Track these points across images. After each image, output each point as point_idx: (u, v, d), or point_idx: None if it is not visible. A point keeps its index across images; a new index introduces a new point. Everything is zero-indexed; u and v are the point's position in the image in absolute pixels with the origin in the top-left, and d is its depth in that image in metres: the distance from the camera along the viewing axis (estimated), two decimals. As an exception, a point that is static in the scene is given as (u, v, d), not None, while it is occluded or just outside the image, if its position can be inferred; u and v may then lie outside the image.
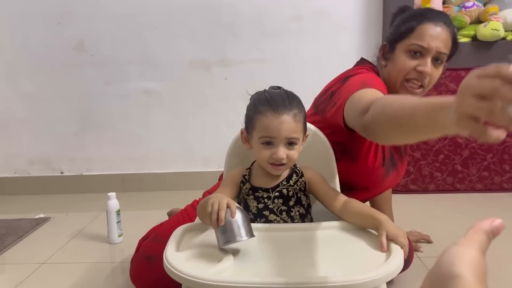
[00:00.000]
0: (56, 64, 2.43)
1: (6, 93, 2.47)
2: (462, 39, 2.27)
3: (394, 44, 1.20)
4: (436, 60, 1.17)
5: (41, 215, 2.12)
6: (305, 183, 0.98)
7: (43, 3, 2.36)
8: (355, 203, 0.92)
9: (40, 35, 2.40)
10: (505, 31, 2.20)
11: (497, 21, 2.17)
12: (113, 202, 1.71)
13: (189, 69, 2.40)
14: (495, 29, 2.15)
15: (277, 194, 0.96)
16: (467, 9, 2.30)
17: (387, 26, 2.25)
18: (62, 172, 2.55)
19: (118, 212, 1.72)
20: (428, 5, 2.23)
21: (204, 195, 1.44)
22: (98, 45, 2.40)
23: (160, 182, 2.50)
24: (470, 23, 2.27)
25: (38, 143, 2.52)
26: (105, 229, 1.79)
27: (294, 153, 0.94)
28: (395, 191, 2.32)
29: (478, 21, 2.27)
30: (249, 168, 1.01)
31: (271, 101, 0.92)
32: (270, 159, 0.92)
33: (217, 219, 0.79)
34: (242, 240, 0.78)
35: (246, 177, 0.99)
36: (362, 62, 1.35)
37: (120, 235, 1.74)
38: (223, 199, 0.81)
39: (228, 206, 0.80)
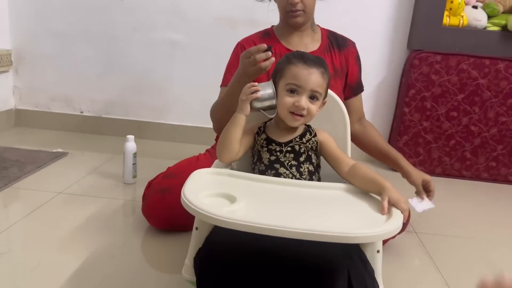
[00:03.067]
0: (86, 4, 2.46)
1: (36, 28, 2.52)
2: (492, 28, 2.25)
3: None
4: None
5: (59, 150, 2.21)
6: (317, 143, 1.03)
7: None
8: (363, 168, 0.97)
9: (73, -26, 2.42)
10: (538, 25, 2.18)
11: (531, 13, 2.14)
12: (131, 144, 1.78)
13: (215, 24, 2.42)
14: (528, 21, 2.12)
15: (289, 149, 1.01)
16: (502, -3, 2.27)
17: (418, 4, 2.24)
18: (81, 112, 2.62)
19: (134, 155, 1.80)
20: (463, -11, 2.20)
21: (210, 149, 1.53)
22: (129, -10, 2.42)
23: (175, 134, 2.57)
24: (503, 12, 2.25)
25: (61, 81, 2.58)
26: (119, 170, 1.88)
27: (314, 107, 0.99)
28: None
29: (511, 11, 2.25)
30: (265, 123, 1.07)
31: (303, 56, 1.00)
32: (291, 107, 0.98)
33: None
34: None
35: (262, 128, 1.05)
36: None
37: (134, 176, 1.82)
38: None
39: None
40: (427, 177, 1.43)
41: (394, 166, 1.47)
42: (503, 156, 2.32)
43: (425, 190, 1.40)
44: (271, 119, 1.06)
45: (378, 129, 1.50)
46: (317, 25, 1.48)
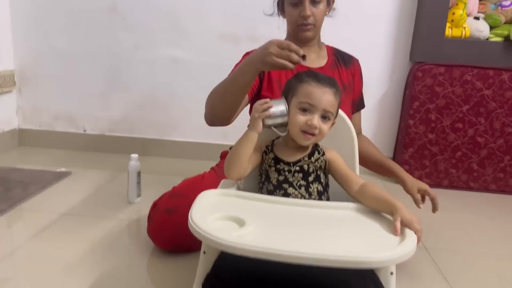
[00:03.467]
0: (89, 24, 2.47)
1: (39, 47, 2.53)
2: (494, 38, 2.25)
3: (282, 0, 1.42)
4: (313, 1, 1.35)
5: (63, 169, 2.20)
6: (325, 162, 1.02)
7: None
8: (373, 187, 0.96)
9: (75, -7, 2.44)
10: (541, 35, 2.17)
11: (533, 23, 2.14)
12: (135, 163, 1.77)
13: (218, 41, 2.43)
14: (530, 31, 2.12)
15: (297, 168, 1.00)
16: (503, 8, 2.27)
17: (420, 17, 2.24)
18: (85, 130, 2.62)
19: (139, 174, 1.78)
20: (464, 1, 2.21)
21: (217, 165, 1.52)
22: (131, 9, 2.43)
23: (179, 150, 2.56)
24: (505, 23, 2.25)
25: (65, 99, 2.59)
26: (123, 188, 1.86)
27: (325, 127, 0.98)
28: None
29: (514, 21, 2.25)
30: (272, 141, 1.06)
31: (317, 75, 1.00)
32: (303, 126, 0.97)
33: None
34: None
35: (269, 147, 1.04)
36: None
37: (139, 196, 1.81)
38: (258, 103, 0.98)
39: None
40: (423, 185, 1.42)
41: (390, 175, 1.49)
42: (510, 167, 2.29)
43: (429, 199, 1.40)
44: (279, 137, 1.05)
45: (383, 142, 1.51)
46: (322, 42, 1.50)
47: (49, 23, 2.49)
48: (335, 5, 1.46)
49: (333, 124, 1.03)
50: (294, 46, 1.01)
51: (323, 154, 1.02)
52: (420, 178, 2.33)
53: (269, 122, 0.98)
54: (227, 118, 1.30)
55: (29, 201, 1.77)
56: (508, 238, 1.74)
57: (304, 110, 0.97)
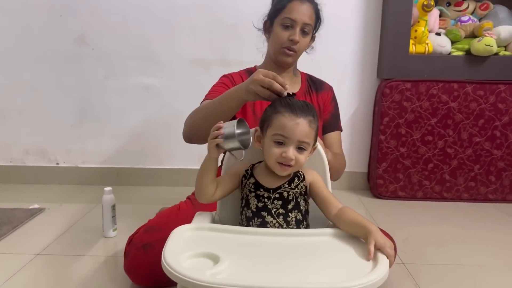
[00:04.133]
0: (57, 56, 2.45)
1: (6, 81, 2.49)
2: (456, 53, 2.33)
3: (273, 20, 1.44)
4: (303, 31, 1.41)
5: (36, 206, 2.15)
6: (306, 187, 1.03)
7: (46, -5, 2.38)
8: (349, 211, 0.97)
9: (41, 26, 2.42)
10: (498, 47, 2.26)
11: (491, 37, 2.23)
12: (109, 196, 1.74)
13: (188, 67, 2.44)
14: (489, 45, 2.21)
15: (277, 195, 1.00)
16: (462, 23, 2.36)
17: (384, 35, 2.31)
18: (57, 163, 2.57)
19: (113, 207, 1.76)
20: (425, 18, 2.29)
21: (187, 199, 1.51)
22: (99, 38, 2.43)
23: (155, 178, 2.54)
24: (465, 37, 2.33)
25: (35, 133, 2.54)
26: (99, 221, 1.83)
27: (302, 157, 0.98)
28: (384, 197, 2.38)
29: (473, 35, 2.34)
30: (252, 166, 1.06)
31: (291, 105, 0.98)
32: (279, 158, 0.97)
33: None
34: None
35: (249, 171, 1.04)
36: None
37: (114, 229, 1.78)
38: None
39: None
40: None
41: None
42: (480, 175, 2.36)
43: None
44: (261, 161, 1.06)
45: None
46: (298, 69, 1.55)
47: (15, 56, 2.46)
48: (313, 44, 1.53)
49: (313, 149, 1.04)
50: (280, 79, 1.04)
51: (303, 179, 1.03)
52: (395, 191, 2.38)
53: (224, 146, 0.95)
54: (206, 139, 1.31)
55: (1, 242, 1.72)
56: (483, 247, 1.78)
57: (279, 143, 0.98)
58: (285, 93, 1.02)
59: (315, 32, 1.50)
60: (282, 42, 1.41)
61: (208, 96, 1.43)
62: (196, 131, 1.33)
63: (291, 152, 0.97)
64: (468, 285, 1.46)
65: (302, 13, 1.39)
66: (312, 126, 0.99)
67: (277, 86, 1.02)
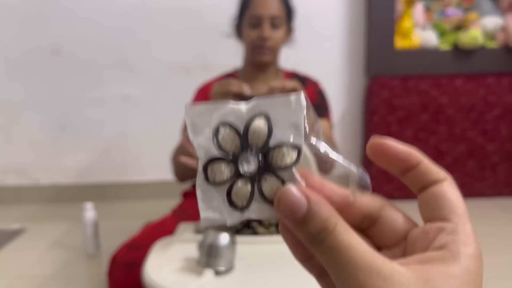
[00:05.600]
0: (32, 70, 2.35)
1: (-22, 99, 2.38)
2: (443, 46, 2.29)
3: (241, 21, 1.36)
4: (273, 25, 1.29)
5: (17, 226, 2.04)
6: None
7: (17, 8, 2.29)
8: None
9: (15, 40, 2.32)
10: (485, 39, 2.23)
11: (476, 29, 2.19)
12: (90, 213, 1.65)
13: (169, 74, 2.36)
14: (474, 37, 2.17)
15: None
16: (447, 17, 2.32)
17: (369, 32, 2.26)
18: (37, 181, 2.46)
19: (95, 224, 1.66)
20: (409, 12, 2.24)
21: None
22: (75, 49, 2.34)
23: (139, 191, 2.44)
24: (450, 31, 2.29)
25: (13, 151, 2.43)
26: (81, 239, 1.73)
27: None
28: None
29: (458, 28, 2.30)
30: None
31: None
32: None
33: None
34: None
35: None
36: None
37: (98, 247, 1.68)
38: None
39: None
40: None
41: None
42: (475, 170, 2.30)
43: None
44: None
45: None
46: (281, 68, 1.46)
47: (-12, 72, 2.36)
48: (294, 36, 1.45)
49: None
50: (235, 82, 1.04)
51: None
52: (390, 191, 2.31)
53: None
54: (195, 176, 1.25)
55: (-22, 267, 1.62)
56: (480, 244, 1.71)
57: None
58: (243, 88, 1.01)
59: (291, 23, 1.40)
60: (252, 42, 1.31)
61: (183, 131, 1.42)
62: (181, 178, 1.37)
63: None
64: None
65: (267, 6, 1.29)
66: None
67: (234, 87, 1.02)
